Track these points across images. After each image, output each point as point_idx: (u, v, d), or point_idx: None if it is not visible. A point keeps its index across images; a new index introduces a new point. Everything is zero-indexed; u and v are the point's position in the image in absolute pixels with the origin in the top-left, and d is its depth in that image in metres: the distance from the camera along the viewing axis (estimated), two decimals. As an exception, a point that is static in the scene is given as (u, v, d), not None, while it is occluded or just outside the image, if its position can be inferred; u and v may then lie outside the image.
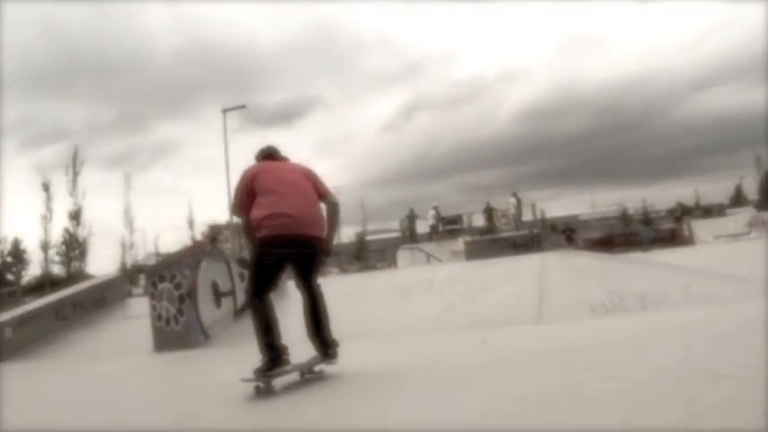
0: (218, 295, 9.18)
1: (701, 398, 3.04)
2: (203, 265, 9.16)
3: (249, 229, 4.80)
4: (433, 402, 3.77)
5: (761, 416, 2.68)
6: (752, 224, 26.23)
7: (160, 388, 5.85)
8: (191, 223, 52.46)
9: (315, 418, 3.63)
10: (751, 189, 56.50)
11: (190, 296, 8.66)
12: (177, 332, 8.56)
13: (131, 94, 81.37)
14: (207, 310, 8.86)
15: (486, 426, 3.09)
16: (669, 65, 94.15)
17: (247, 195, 4.75)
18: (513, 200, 26.87)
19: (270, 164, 4.97)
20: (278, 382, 4.55)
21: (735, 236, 26.04)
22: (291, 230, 4.59)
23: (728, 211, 42.30)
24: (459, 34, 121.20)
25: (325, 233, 4.89)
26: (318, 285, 4.95)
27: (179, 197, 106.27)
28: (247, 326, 8.80)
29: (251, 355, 6.99)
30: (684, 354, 4.30)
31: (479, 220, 29.20)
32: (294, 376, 4.78)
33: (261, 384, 4.43)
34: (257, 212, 4.63)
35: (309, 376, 4.87)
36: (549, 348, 5.24)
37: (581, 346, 5.23)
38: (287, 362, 4.66)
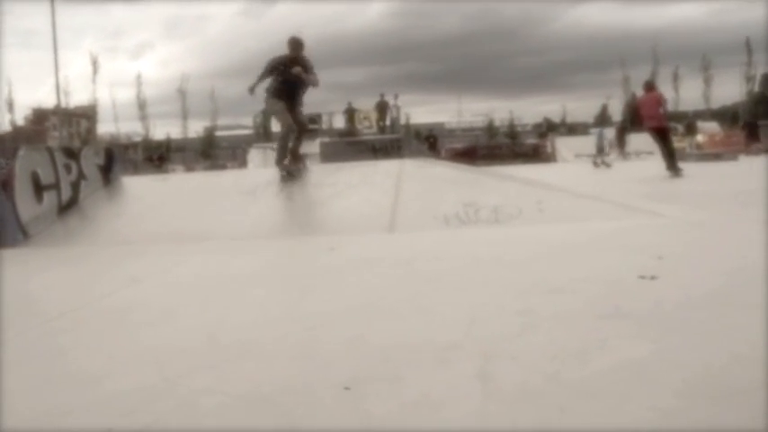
0: (39, 188, 8.52)
1: (537, 310, 3.31)
2: (21, 153, 8.43)
3: None
4: (270, 309, 3.87)
5: (585, 328, 2.97)
6: (612, 145, 28.15)
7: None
8: (10, 105, 48.14)
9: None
10: (617, 110, 61.32)
11: (5, 188, 7.96)
12: (-11, 228, 7.92)
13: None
14: (26, 204, 8.20)
15: (320, 334, 3.19)
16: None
17: None
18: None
19: None
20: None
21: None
22: None
23: (591, 130, 45.36)
24: None
25: None
26: None
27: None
28: (73, 225, 8.40)
29: (75, 258, 6.69)
30: (527, 268, 4.58)
31: (340, 122, 29.13)
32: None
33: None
34: None
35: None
36: (396, 258, 5.36)
37: (428, 256, 5.39)
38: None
